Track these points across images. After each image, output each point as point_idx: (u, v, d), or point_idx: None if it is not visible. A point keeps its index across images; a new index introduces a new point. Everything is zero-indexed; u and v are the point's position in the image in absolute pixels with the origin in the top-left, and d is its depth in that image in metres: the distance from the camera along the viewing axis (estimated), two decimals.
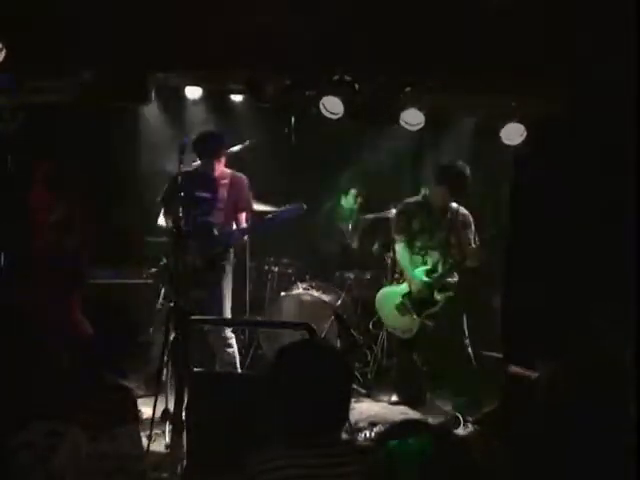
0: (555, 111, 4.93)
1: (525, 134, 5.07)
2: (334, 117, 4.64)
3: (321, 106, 4.52)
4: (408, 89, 4.49)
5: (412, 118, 5.00)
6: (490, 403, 4.79)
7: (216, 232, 4.73)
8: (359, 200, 6.41)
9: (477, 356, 5.00)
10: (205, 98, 5.73)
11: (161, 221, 4.89)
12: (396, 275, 5.32)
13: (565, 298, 4.90)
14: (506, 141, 5.14)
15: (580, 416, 2.29)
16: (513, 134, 5.15)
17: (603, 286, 4.65)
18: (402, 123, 4.93)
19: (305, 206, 4.86)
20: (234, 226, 4.92)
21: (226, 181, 4.88)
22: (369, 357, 5.67)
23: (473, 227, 4.99)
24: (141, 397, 4.28)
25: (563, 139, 4.90)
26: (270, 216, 4.80)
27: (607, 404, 2.35)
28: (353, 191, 6.43)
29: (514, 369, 4.16)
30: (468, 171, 4.82)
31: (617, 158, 4.53)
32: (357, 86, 4.53)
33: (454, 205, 5.02)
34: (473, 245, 4.87)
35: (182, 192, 4.06)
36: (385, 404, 5.20)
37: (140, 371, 5.01)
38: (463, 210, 5.03)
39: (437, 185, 4.92)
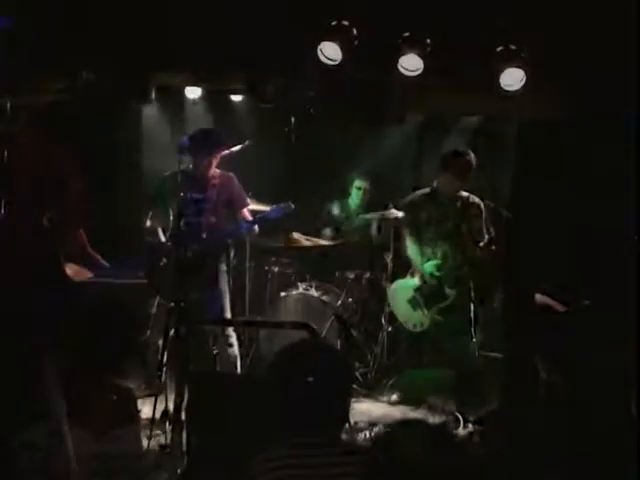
0: (555, 111, 4.92)
1: (524, 80, 4.72)
2: (333, 64, 4.50)
3: (319, 53, 4.44)
4: (407, 34, 4.39)
5: (411, 64, 4.80)
6: (490, 403, 4.81)
7: (204, 235, 4.72)
8: (366, 193, 6.22)
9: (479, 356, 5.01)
10: (205, 98, 5.73)
11: (149, 224, 4.87)
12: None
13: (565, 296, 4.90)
14: (506, 87, 4.83)
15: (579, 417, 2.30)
16: (513, 80, 4.77)
17: (604, 286, 4.65)
18: (400, 69, 4.75)
19: (293, 206, 4.86)
20: (227, 225, 4.91)
21: (216, 181, 4.86)
22: (369, 357, 5.67)
23: (484, 215, 4.94)
24: (141, 397, 4.27)
25: (563, 138, 4.90)
26: (257, 217, 4.83)
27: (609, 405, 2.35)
28: (358, 182, 6.23)
29: (542, 298, 4.12)
30: (472, 155, 4.80)
31: (618, 156, 4.53)
32: (355, 31, 4.41)
33: (464, 194, 4.99)
34: (485, 235, 4.82)
35: (173, 193, 4.06)
36: (385, 404, 5.19)
37: (140, 371, 5.01)
38: (474, 199, 5.00)
39: (443, 172, 4.91)
